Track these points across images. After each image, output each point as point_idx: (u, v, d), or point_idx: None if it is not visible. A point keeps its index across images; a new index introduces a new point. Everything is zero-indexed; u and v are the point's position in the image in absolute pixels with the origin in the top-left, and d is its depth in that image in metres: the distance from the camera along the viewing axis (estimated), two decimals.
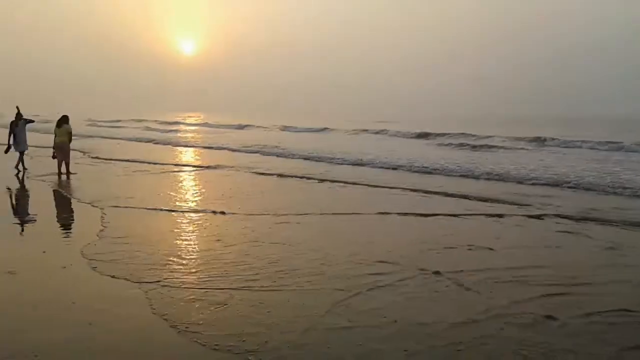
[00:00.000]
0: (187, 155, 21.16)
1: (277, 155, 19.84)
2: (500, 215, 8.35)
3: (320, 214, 8.37)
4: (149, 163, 16.27)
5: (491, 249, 6.29)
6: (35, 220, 8.18)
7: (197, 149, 24.01)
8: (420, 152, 20.87)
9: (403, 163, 16.28)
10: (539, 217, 8.28)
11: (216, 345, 3.62)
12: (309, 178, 13.05)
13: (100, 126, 46.46)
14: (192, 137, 32.46)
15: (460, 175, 13.82)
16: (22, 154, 13.37)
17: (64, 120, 12.99)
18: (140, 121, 56.35)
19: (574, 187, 11.60)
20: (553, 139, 26.64)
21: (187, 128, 48.74)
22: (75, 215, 8.52)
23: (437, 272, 5.25)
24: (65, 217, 8.52)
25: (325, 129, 42.02)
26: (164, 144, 26.61)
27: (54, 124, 13.28)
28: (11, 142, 13.29)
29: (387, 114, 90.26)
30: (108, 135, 32.40)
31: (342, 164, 16.91)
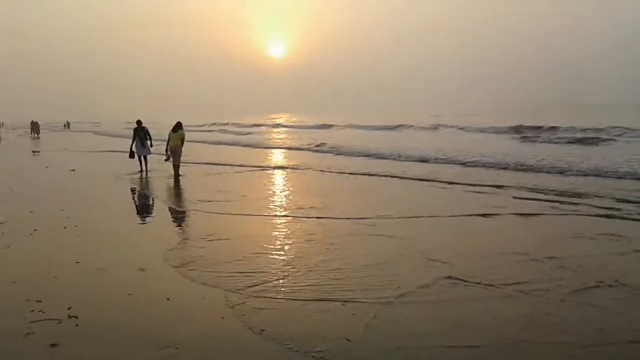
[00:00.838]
0: (273, 156, 21.67)
1: (360, 155, 19.86)
2: None
3: (433, 217, 8.15)
4: (236, 165, 16.97)
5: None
6: (150, 221, 8.76)
7: (282, 150, 24.64)
8: (519, 148, 19.84)
9: (498, 160, 15.51)
10: None
11: (306, 352, 3.54)
12: (402, 177, 12.91)
13: (188, 131, 48.83)
14: (277, 139, 33.33)
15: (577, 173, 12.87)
16: (140, 157, 14.75)
17: (178, 126, 14.07)
18: (224, 124, 58.68)
19: None
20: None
21: (271, 130, 50.15)
22: (187, 218, 8.86)
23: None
24: (179, 217, 8.85)
25: (399, 125, 41.61)
26: (247, 146, 27.50)
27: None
28: (133, 148, 14.70)
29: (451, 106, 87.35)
30: (197, 140, 34.01)
31: (435, 162, 16.56)
